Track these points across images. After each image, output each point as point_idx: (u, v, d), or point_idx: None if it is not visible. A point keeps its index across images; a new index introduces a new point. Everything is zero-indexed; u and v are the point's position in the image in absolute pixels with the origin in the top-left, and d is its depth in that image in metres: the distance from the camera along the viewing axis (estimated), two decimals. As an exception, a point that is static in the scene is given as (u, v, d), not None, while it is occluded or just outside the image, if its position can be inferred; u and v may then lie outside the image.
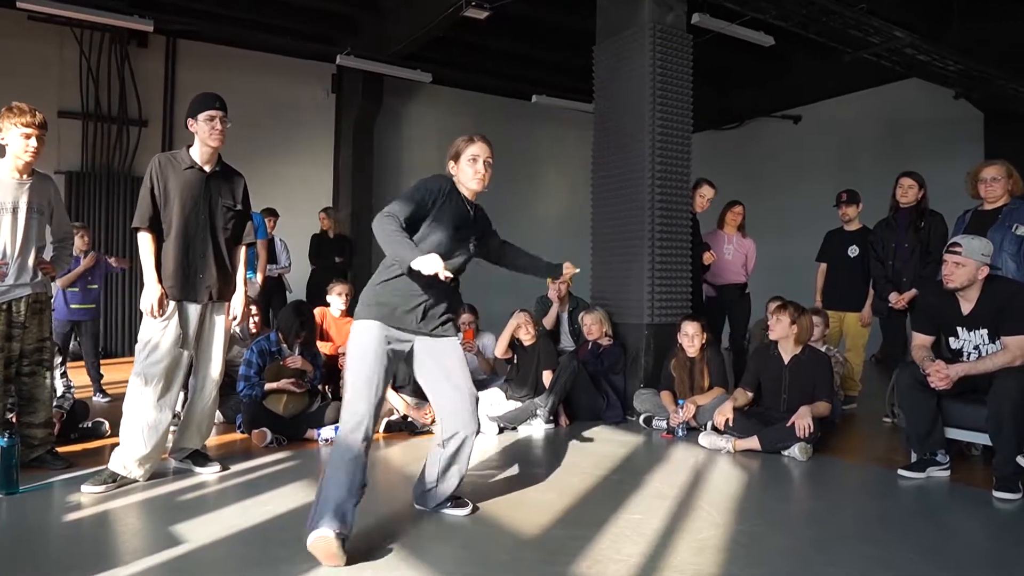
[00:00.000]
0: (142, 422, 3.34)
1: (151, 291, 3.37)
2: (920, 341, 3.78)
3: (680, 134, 5.34)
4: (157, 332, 3.39)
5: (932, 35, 6.99)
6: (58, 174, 8.91)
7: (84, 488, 3.25)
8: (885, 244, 5.30)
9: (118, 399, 5.59)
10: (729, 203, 6.24)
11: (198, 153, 3.51)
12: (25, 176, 3.53)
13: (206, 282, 3.50)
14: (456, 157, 2.94)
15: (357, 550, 2.50)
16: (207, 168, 3.52)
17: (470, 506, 3.02)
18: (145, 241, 3.43)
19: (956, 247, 3.57)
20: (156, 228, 3.45)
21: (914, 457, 3.73)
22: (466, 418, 2.87)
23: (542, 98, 10.58)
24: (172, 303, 3.42)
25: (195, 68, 9.90)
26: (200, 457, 3.65)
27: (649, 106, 5.17)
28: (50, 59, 9.10)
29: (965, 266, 3.53)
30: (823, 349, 5.20)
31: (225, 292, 3.60)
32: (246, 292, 3.74)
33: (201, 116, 3.46)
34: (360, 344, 2.70)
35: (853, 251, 5.75)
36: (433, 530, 2.82)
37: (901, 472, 3.65)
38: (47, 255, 3.74)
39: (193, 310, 3.49)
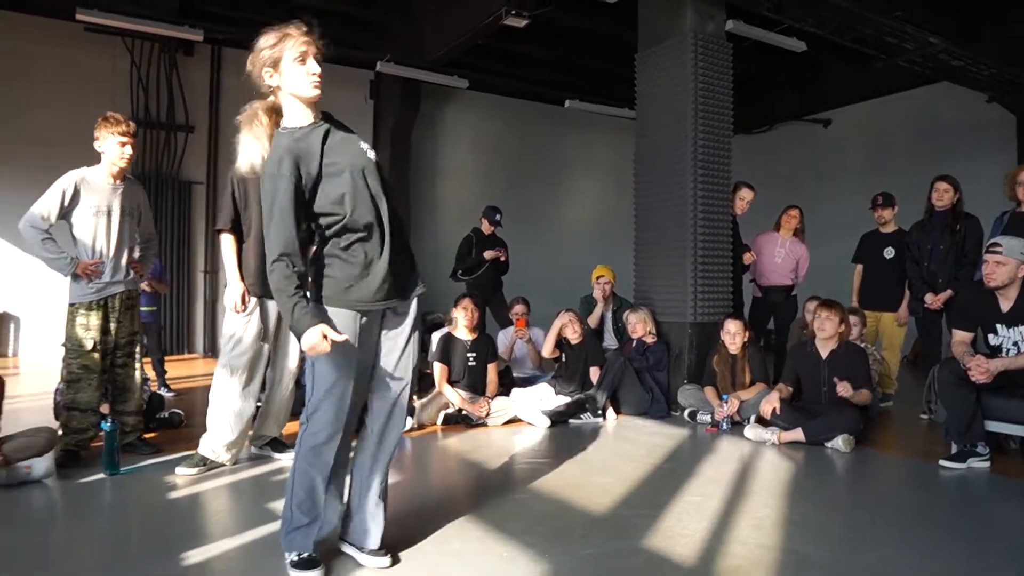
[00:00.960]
0: (229, 410, 3.60)
1: (234, 288, 3.63)
2: (960, 338, 3.94)
3: (721, 139, 5.53)
4: (240, 327, 3.65)
5: (965, 39, 7.09)
6: (110, 179, 9.27)
7: (178, 470, 3.51)
8: (921, 246, 5.44)
9: (180, 394, 5.93)
10: (787, 207, 6.38)
11: None
12: (118, 181, 3.81)
13: None
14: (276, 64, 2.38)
15: (436, 529, 2.72)
16: None
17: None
18: (227, 242, 3.70)
19: (997, 247, 3.73)
20: (237, 230, 3.71)
21: (955, 449, 3.89)
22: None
23: (575, 103, 10.78)
24: (253, 299, 3.67)
25: (239, 75, 10.17)
26: (278, 444, 3.89)
27: (691, 113, 5.36)
28: (103, 69, 9.44)
29: (1006, 265, 3.70)
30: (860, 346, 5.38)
31: None
32: None
33: None
34: None
35: (889, 252, 5.89)
36: (507, 510, 3.02)
37: (942, 463, 3.81)
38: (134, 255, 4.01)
39: (272, 306, 3.73)
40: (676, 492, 3.27)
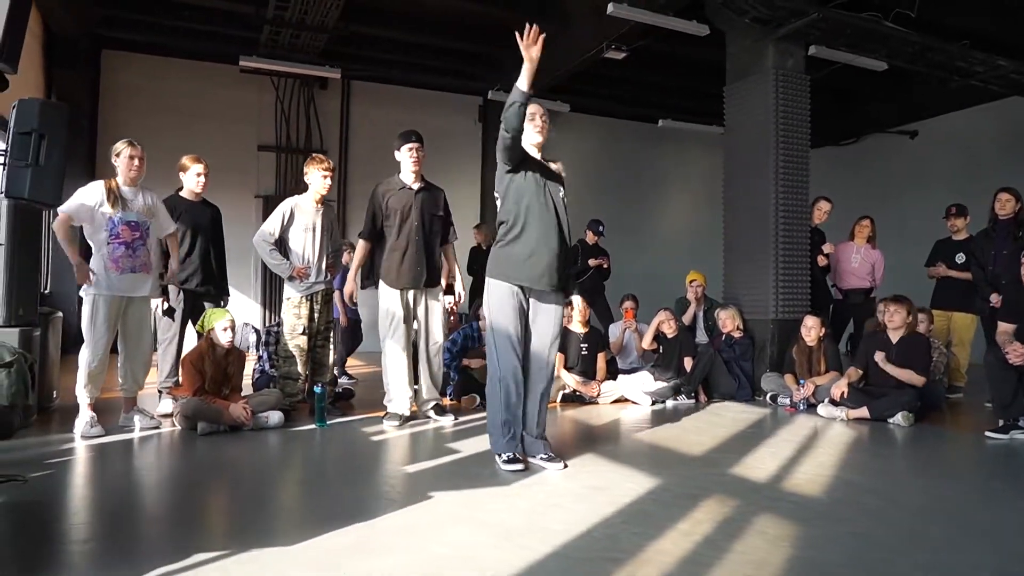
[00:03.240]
0: (400, 372, 4.74)
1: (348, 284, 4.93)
2: (1003, 328, 4.64)
3: (799, 160, 6.34)
4: (396, 307, 4.75)
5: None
6: (257, 198, 10.76)
7: (385, 423, 4.66)
8: (985, 251, 6.08)
9: (357, 380, 7.10)
10: (859, 218, 7.09)
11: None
12: (320, 205, 4.99)
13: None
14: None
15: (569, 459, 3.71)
16: (415, 186, 4.83)
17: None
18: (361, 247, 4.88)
19: (1029, 251, 4.44)
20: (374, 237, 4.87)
21: (1000, 423, 4.58)
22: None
23: (667, 122, 11.64)
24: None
25: (366, 104, 11.59)
26: (440, 408, 4.94)
27: (773, 139, 6.21)
28: (252, 103, 10.96)
29: (1038, 266, 4.40)
30: (928, 342, 6.06)
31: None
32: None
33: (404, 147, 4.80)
34: None
35: (960, 258, 6.53)
36: (621, 452, 3.98)
37: (988, 434, 4.52)
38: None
39: (412, 293, 4.79)
40: (755, 446, 4.16)
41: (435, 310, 4.91)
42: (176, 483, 3.43)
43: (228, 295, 5.34)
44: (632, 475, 3.38)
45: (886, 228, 10.15)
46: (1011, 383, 4.48)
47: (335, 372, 6.99)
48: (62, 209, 4.19)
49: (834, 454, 3.95)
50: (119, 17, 9.36)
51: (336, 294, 7.39)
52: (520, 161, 3.52)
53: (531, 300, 3.63)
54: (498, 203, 3.64)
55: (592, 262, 8.00)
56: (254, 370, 6.01)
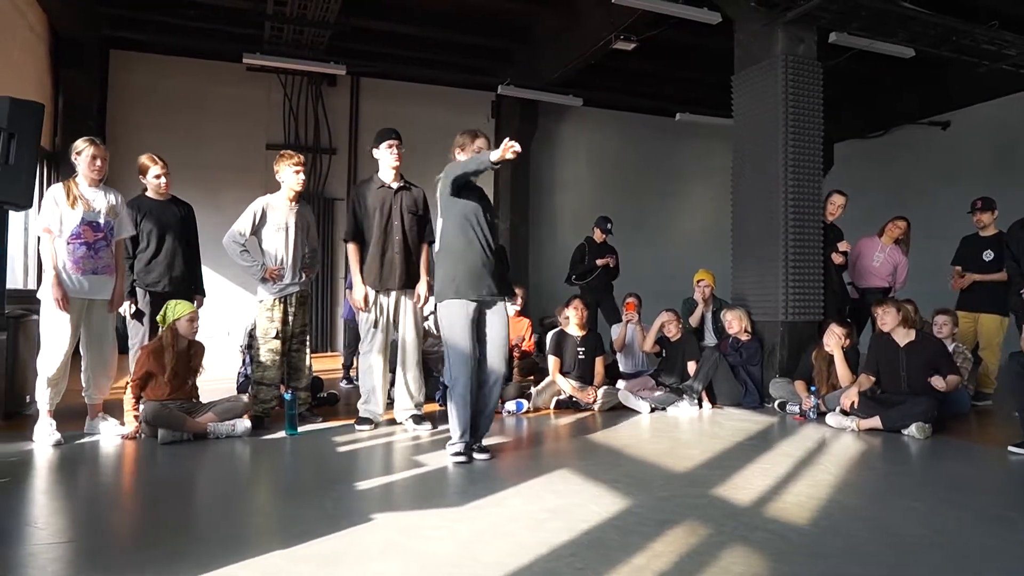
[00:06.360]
0: (376, 379, 4.59)
1: (358, 289, 4.64)
2: (1029, 332, 4.25)
3: (811, 151, 5.95)
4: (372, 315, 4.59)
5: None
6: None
7: (357, 427, 4.54)
8: (1020, 243, 5.63)
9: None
10: (895, 216, 6.68)
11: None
12: (293, 203, 4.77)
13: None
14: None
15: (544, 474, 3.42)
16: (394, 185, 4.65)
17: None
18: (352, 250, 4.70)
19: (1058, 248, 4.04)
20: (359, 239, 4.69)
21: (1024, 436, 4.18)
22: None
23: (685, 115, 11.26)
24: (372, 293, 4.63)
25: (375, 101, 11.38)
26: (418, 417, 4.68)
27: (782, 129, 5.83)
28: (260, 101, 10.83)
29: (1068, 265, 4.00)
30: (951, 347, 5.64)
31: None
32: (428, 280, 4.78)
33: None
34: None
35: (988, 255, 6.10)
36: (601, 467, 3.67)
37: (1011, 449, 4.11)
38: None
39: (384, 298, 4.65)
40: (750, 461, 3.82)
41: (413, 314, 4.69)
42: (91, 499, 3.22)
43: (203, 295, 5.14)
44: (601, 496, 3.08)
45: (915, 225, 9.72)
46: (1036, 393, 4.09)
47: (310, 376, 6.86)
48: (43, 225, 4.09)
49: (833, 472, 3.60)
50: (125, 17, 9.28)
51: (349, 292, 7.32)
52: (462, 187, 3.85)
53: (482, 310, 3.86)
54: (439, 224, 3.93)
55: (599, 261, 7.69)
56: (238, 373, 5.83)
